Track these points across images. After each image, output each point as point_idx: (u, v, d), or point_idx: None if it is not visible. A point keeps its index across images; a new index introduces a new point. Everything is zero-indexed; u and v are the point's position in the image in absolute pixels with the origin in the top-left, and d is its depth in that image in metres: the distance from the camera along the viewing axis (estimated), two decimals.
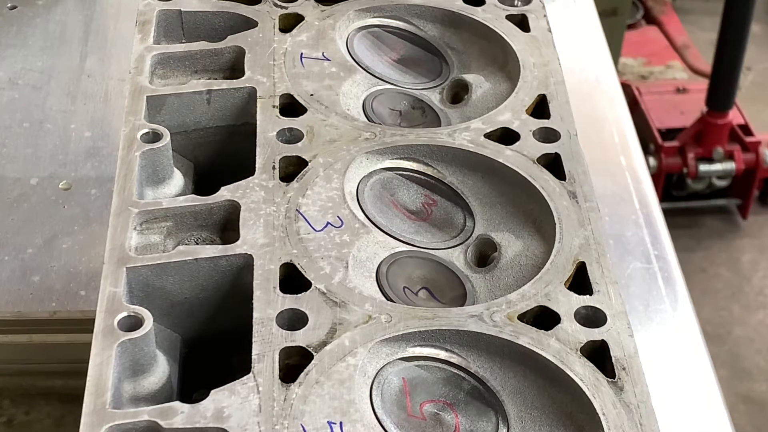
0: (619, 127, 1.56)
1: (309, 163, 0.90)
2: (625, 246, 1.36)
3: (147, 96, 0.94)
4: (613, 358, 0.77)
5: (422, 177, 0.93)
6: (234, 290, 0.83)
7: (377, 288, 0.84)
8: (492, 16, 1.07)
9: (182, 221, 0.87)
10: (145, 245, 0.85)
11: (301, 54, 1.00)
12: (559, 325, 0.80)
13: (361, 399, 0.75)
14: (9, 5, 1.62)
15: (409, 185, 0.93)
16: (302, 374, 0.75)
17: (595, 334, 0.79)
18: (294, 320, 0.78)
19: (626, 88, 3.11)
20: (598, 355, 0.78)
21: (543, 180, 0.90)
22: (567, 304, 0.81)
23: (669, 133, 3.19)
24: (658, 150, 3.14)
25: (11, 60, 1.52)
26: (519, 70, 1.01)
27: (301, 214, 0.86)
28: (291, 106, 0.95)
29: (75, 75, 1.50)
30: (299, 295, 0.80)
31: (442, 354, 0.80)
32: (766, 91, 3.63)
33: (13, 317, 1.17)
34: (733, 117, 3.14)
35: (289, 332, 0.77)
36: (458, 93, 1.03)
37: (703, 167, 3.14)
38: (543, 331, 0.79)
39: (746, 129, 3.19)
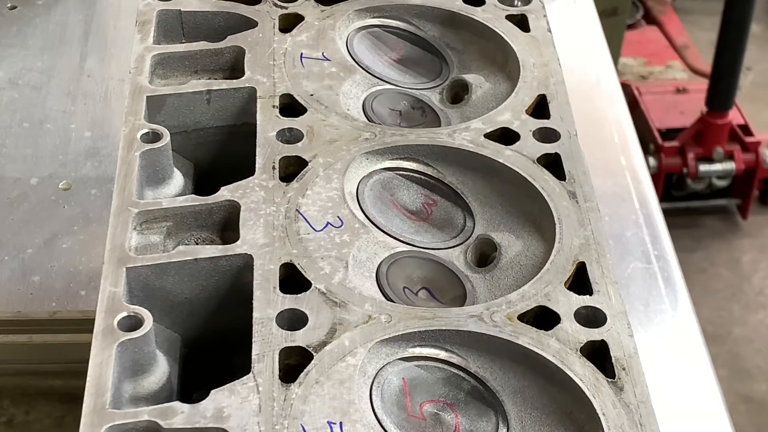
0: (619, 127, 1.56)
1: (309, 163, 0.90)
2: (625, 246, 1.36)
3: (147, 96, 0.94)
4: (613, 358, 0.77)
5: (422, 177, 0.93)
6: (234, 290, 0.83)
7: (377, 288, 0.84)
8: (492, 16, 1.06)
9: (182, 221, 0.87)
10: (145, 245, 0.85)
11: (301, 54, 1.00)
12: (559, 325, 0.80)
13: (361, 399, 0.75)
14: (9, 5, 1.62)
15: (409, 185, 0.93)
16: (302, 374, 0.75)
17: (595, 334, 0.79)
18: (294, 320, 0.78)
19: (626, 88, 3.11)
20: (598, 355, 0.78)
21: (543, 180, 0.90)
22: (567, 304, 0.81)
23: (669, 133, 3.19)
24: (658, 150, 3.14)
25: (11, 60, 1.52)
26: (519, 70, 1.01)
27: (301, 214, 0.86)
28: (291, 106, 0.95)
29: (75, 75, 1.50)
30: (299, 295, 0.80)
31: (442, 354, 0.79)
32: (766, 91, 3.63)
33: (13, 317, 1.17)
34: (733, 117, 3.14)
35: (289, 332, 0.77)
36: (458, 93, 1.03)
37: (703, 167, 3.14)
38: (543, 331, 0.79)
39: (746, 129, 3.19)
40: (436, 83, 1.04)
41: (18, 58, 1.53)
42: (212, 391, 0.73)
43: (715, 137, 3.11)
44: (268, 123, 0.93)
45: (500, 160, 0.92)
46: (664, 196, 3.15)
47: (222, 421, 0.71)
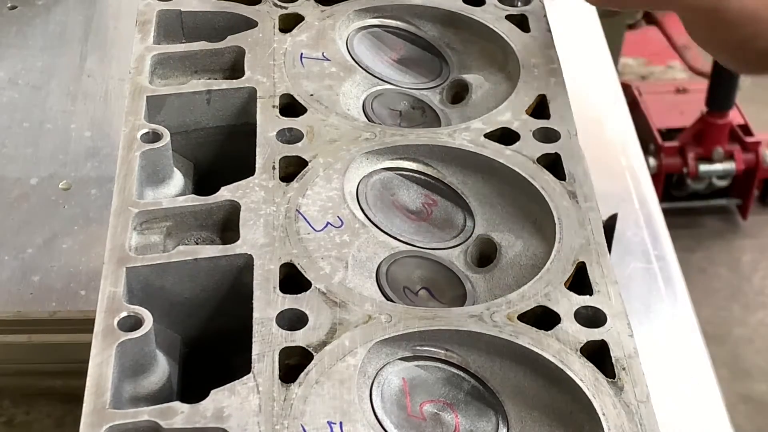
0: (619, 127, 1.56)
1: (309, 163, 0.90)
2: (625, 246, 1.36)
3: (147, 96, 0.94)
4: (613, 358, 0.77)
5: (422, 177, 0.93)
6: (234, 290, 0.83)
7: (377, 288, 0.84)
8: (492, 16, 1.07)
9: (182, 221, 0.87)
10: (145, 245, 0.85)
11: (301, 54, 1.00)
12: (559, 325, 0.80)
13: (361, 399, 0.75)
14: (9, 5, 1.62)
15: (409, 185, 0.93)
16: (302, 374, 0.75)
17: (595, 334, 0.79)
18: (294, 320, 0.78)
19: (626, 88, 3.11)
20: (598, 355, 0.78)
21: (543, 180, 0.90)
22: (567, 304, 0.81)
23: (669, 133, 3.19)
24: (658, 150, 3.13)
25: (11, 60, 1.52)
26: (519, 70, 1.01)
27: (301, 214, 0.86)
28: (291, 106, 0.95)
29: (75, 75, 1.50)
30: (299, 295, 0.80)
31: (442, 354, 0.79)
32: (766, 91, 3.62)
33: (13, 317, 1.17)
34: (733, 117, 3.13)
35: (289, 332, 0.77)
36: (458, 93, 1.03)
37: (703, 167, 3.14)
38: (543, 331, 0.79)
39: (746, 129, 3.19)
40: (436, 83, 1.04)
41: (18, 58, 1.53)
42: (212, 391, 0.73)
43: (715, 137, 3.11)
44: (268, 123, 0.93)
45: (500, 160, 0.92)
46: (664, 196, 3.15)
47: (222, 421, 0.71)
